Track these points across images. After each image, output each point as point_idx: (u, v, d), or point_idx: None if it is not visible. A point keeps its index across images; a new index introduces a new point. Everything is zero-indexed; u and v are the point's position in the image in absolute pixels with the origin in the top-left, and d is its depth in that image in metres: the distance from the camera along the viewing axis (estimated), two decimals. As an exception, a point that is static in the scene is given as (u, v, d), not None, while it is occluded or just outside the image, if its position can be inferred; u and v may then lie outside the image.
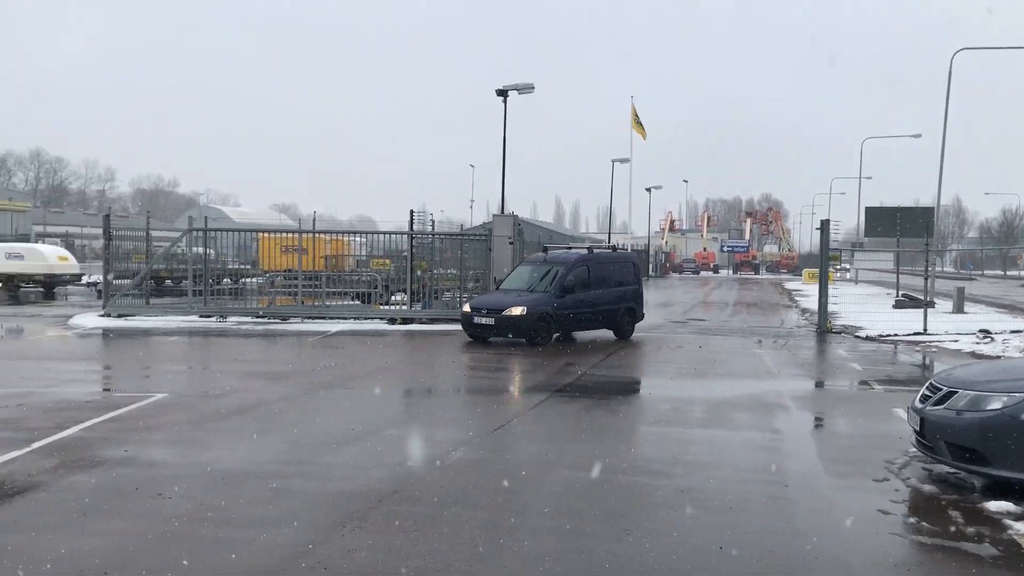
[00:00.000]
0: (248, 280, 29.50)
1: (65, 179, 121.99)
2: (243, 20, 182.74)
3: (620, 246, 31.62)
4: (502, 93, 28.66)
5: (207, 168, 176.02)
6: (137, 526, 6.42)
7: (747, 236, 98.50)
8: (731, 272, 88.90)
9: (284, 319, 23.93)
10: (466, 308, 19.95)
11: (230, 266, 28.22)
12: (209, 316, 24.07)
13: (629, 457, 8.85)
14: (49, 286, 35.59)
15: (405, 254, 24.37)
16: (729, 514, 6.92)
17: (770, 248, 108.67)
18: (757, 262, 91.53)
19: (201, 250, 26.07)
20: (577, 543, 6.22)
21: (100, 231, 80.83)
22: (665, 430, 10.34)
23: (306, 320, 23.68)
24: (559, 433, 10.11)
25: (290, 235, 32.18)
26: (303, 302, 24.84)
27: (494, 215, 26.16)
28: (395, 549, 6.00)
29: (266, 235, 30.94)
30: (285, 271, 30.89)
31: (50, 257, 36.18)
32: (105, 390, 12.59)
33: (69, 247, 52.23)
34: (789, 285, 56.46)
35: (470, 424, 10.61)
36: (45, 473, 7.74)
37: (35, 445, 8.76)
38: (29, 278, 35.41)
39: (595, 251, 22.13)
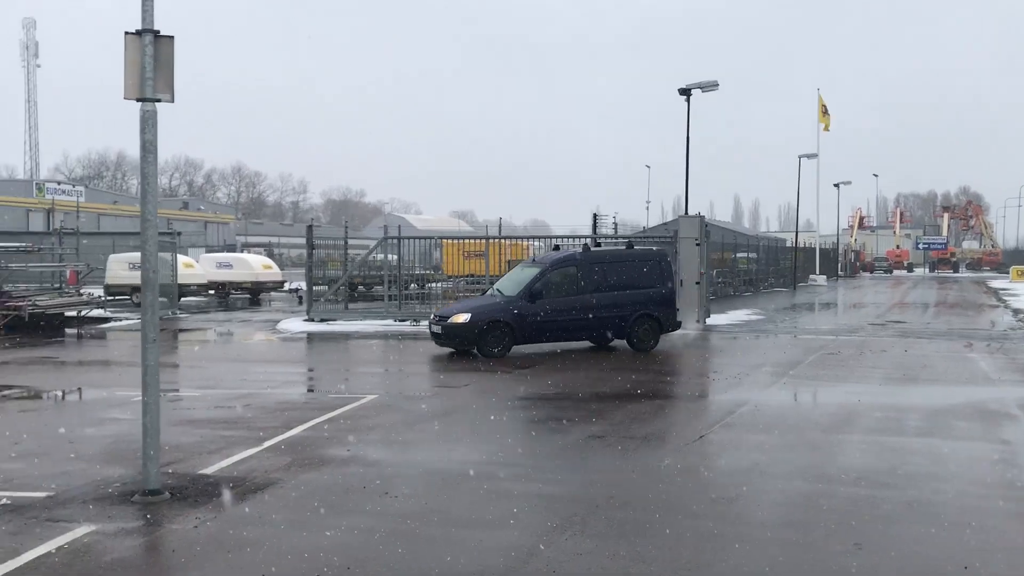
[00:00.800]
0: (432, 285, 30.47)
1: (263, 192, 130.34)
2: (421, 35, 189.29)
3: (647, 240, 25.90)
4: (685, 92, 28.24)
5: (392, 178, 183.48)
6: (370, 524, 6.76)
7: (944, 232, 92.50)
8: (927, 271, 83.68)
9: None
10: (432, 314, 19.12)
11: (416, 271, 29.26)
12: (403, 320, 25.03)
13: (847, 467, 8.48)
14: (255, 292, 38.09)
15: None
16: (969, 531, 6.51)
17: (969, 244, 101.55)
18: (955, 260, 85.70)
19: (390, 256, 27.19)
20: (806, 555, 6.03)
21: (295, 240, 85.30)
22: (881, 439, 9.85)
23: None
24: (768, 441, 9.83)
25: (472, 241, 33.18)
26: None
27: (679, 216, 25.85)
28: (618, 555, 6.03)
29: (449, 241, 31.93)
30: (467, 276, 31.70)
31: (255, 266, 38.74)
32: (320, 391, 13.33)
33: (271, 256, 55.75)
34: (994, 284, 52.58)
35: (673, 432, 10.50)
36: (280, 471, 8.28)
37: (267, 444, 9.39)
38: (237, 285, 37.99)
39: (594, 249, 19.64)
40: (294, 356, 19.06)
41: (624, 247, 20.10)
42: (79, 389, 14.03)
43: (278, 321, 26.04)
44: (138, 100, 7.26)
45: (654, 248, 21.82)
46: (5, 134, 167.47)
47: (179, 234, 34.74)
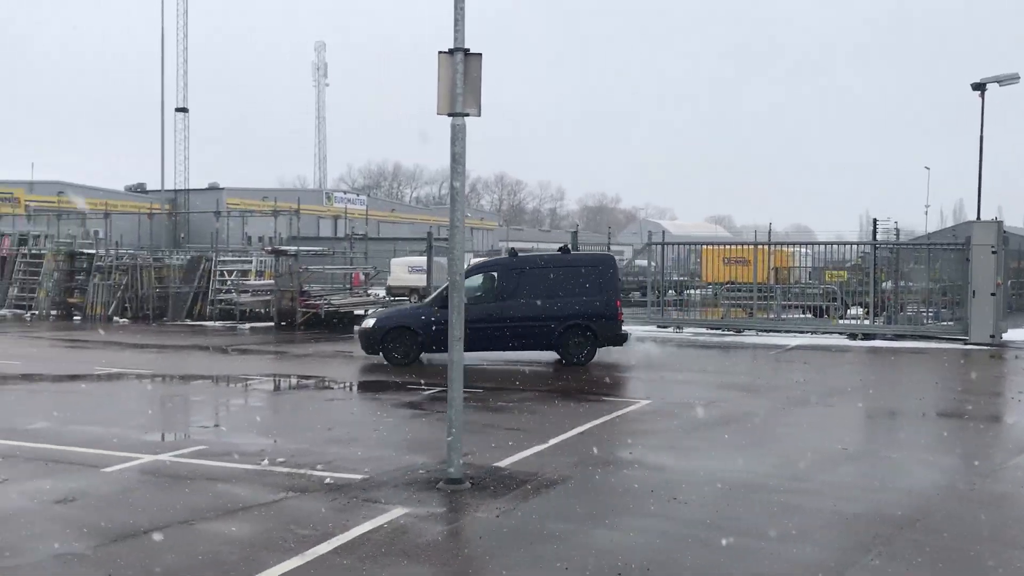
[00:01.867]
0: (691, 292, 30.10)
1: (523, 199, 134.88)
2: (676, 39, 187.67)
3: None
4: (979, 87, 25.95)
5: (647, 183, 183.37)
6: (661, 526, 6.82)
7: None
8: None
9: (738, 331, 24.01)
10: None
11: (673, 278, 29.05)
12: (665, 327, 24.96)
13: None
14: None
15: (857, 265, 23.18)
16: None
17: None
18: None
19: (646, 263, 27.15)
20: None
21: (552, 245, 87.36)
22: None
23: (760, 333, 23.51)
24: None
25: (731, 247, 32.46)
26: (752, 314, 24.78)
27: (971, 221, 23.80)
28: (933, 582, 5.68)
29: (708, 247, 31.43)
30: (727, 283, 31.01)
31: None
32: (592, 395, 13.61)
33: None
34: None
35: (974, 454, 9.71)
36: (568, 468, 8.55)
37: (551, 442, 9.73)
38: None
39: (522, 255, 18.27)
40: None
41: (560, 253, 18.21)
42: (377, 382, 15.22)
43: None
44: (449, 115, 7.79)
45: (599, 254, 20.68)
46: (300, 148, 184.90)
47: (445, 239, 36.88)
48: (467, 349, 18.00)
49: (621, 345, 17.86)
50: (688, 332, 24.14)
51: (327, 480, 8.04)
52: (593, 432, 10.39)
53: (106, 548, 6.25)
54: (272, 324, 25.96)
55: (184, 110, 63.52)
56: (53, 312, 29.59)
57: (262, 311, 27.02)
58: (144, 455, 9.02)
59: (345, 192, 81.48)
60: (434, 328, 16.14)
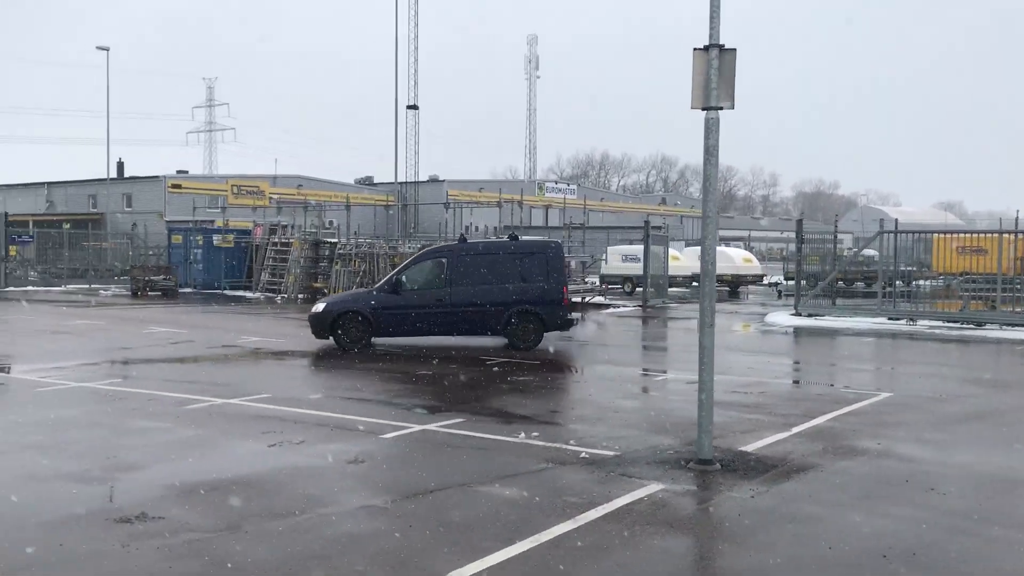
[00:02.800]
0: (920, 283, 28.57)
1: (733, 186, 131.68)
2: (897, 20, 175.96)
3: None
4: None
5: (868, 168, 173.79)
6: (920, 515, 6.84)
7: None
8: None
9: (979, 325, 22.64)
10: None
11: (899, 268, 27.66)
12: (897, 319, 23.92)
13: None
14: (734, 286, 38.88)
15: None
16: None
17: None
18: None
19: (870, 252, 26.00)
20: None
21: (764, 234, 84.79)
22: None
23: (1005, 327, 22.06)
24: None
25: (967, 236, 30.45)
26: (995, 307, 23.26)
27: None
28: None
29: (940, 236, 29.68)
30: (961, 274, 29.12)
31: (736, 259, 39.53)
32: (828, 385, 13.47)
33: (748, 250, 56.32)
34: None
35: None
36: (815, 456, 8.66)
37: (794, 430, 9.83)
38: (718, 278, 39.05)
39: (470, 241, 18.56)
40: (786, 349, 19.31)
41: (509, 240, 18.46)
42: (607, 365, 15.74)
43: (764, 314, 26.44)
44: (703, 109, 8.10)
45: (544, 240, 20.19)
46: (509, 139, 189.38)
47: (660, 228, 36.93)
48: (416, 334, 17.76)
49: (567, 330, 18.11)
50: (922, 324, 23.02)
51: (583, 455, 8.60)
52: (836, 422, 10.36)
53: (400, 503, 7.07)
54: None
55: (414, 107, 66.78)
56: (300, 295, 32.32)
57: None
58: (414, 425, 9.97)
59: (556, 182, 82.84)
60: (383, 313, 16.94)
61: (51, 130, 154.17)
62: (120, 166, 65.04)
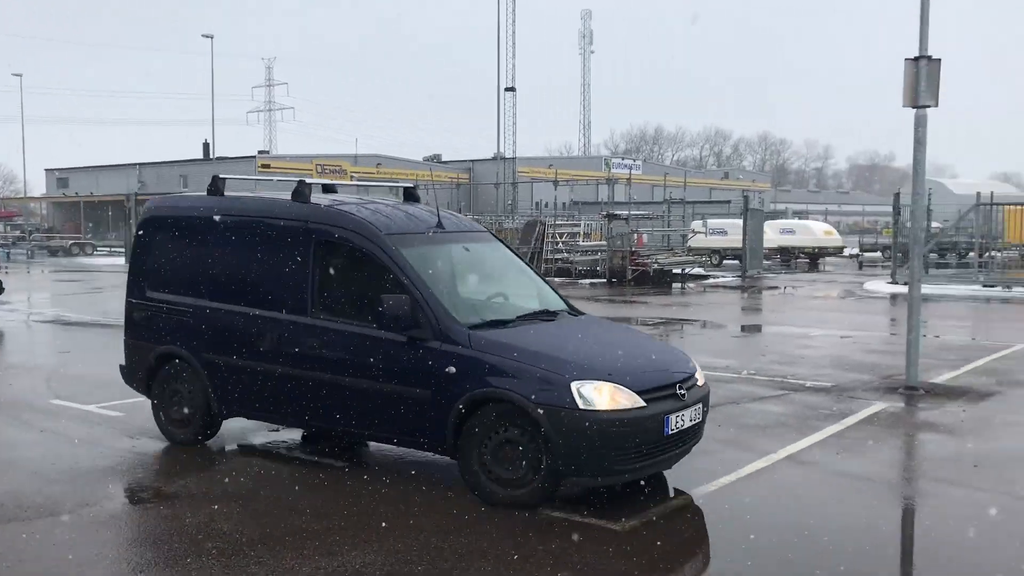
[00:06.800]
0: (995, 253, 30.08)
1: (787, 159, 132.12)
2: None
3: None
4: None
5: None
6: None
7: None
8: None
9: (1072, 291, 24.36)
10: None
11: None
12: (992, 285, 25.67)
13: None
14: (815, 258, 40.63)
15: None
16: None
17: None
18: None
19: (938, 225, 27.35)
20: None
21: (820, 207, 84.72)
22: None
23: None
24: None
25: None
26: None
27: None
28: None
29: (1012, 207, 31.16)
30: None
31: (818, 232, 41.26)
32: (971, 339, 15.44)
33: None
34: None
35: None
36: (994, 386, 10.76)
37: (963, 369, 11.91)
38: (800, 250, 40.85)
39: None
40: (900, 312, 21.22)
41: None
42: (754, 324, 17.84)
43: (862, 283, 28.29)
44: (913, 107, 10.13)
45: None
46: (563, 115, 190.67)
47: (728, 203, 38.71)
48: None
49: None
50: (1017, 291, 24.76)
51: (807, 384, 10.75)
52: (995, 363, 12.40)
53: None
54: (604, 280, 29.27)
55: (512, 89, 69.06)
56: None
57: (597, 269, 30.44)
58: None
59: (622, 158, 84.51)
60: None
61: (137, 112, 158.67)
62: (206, 147, 68.04)
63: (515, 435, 6.13)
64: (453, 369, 6.33)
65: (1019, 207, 31.73)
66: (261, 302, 7.29)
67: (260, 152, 67.04)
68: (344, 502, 6.38)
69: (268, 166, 60.69)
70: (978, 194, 26.31)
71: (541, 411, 5.95)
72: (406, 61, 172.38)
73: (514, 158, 72.19)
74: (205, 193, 7.96)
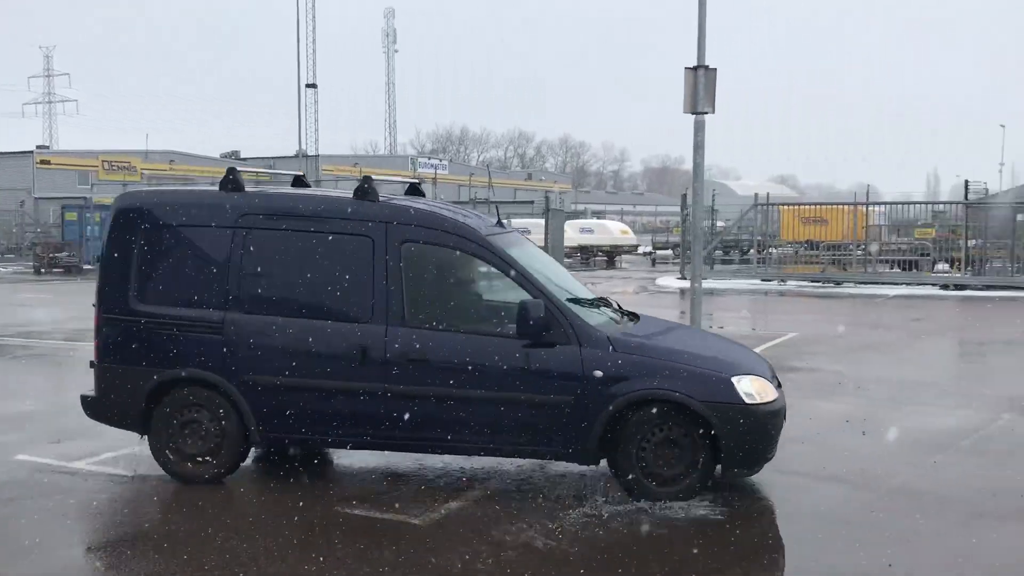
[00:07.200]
0: (772, 250, 32.61)
1: (586, 161, 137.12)
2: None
3: None
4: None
5: (710, 145, 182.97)
6: (859, 401, 9.85)
7: None
8: None
9: (836, 284, 26.73)
10: None
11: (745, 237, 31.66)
12: (769, 280, 27.75)
13: None
14: (612, 256, 42.40)
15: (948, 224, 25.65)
16: None
17: None
18: None
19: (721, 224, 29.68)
20: None
21: (616, 208, 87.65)
22: None
23: (858, 285, 26.20)
24: None
25: (807, 207, 35.07)
26: (846, 269, 27.59)
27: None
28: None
29: (786, 207, 33.94)
30: (804, 242, 33.46)
31: (614, 231, 43.09)
32: (752, 329, 16.60)
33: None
34: None
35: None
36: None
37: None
38: (598, 249, 42.51)
39: None
40: (688, 305, 22.58)
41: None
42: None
43: (654, 279, 29.82)
44: (692, 113, 10.79)
45: None
46: (365, 114, 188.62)
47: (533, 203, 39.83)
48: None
49: None
50: (791, 284, 26.90)
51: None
52: (767, 352, 13.31)
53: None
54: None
55: (313, 86, 67.36)
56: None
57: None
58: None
59: (428, 158, 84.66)
60: None
61: None
62: (-27, 140, 62.30)
63: (677, 434, 6.22)
64: (600, 372, 6.21)
65: (793, 207, 34.53)
66: (332, 313, 6.52)
67: (39, 147, 62.05)
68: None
69: (48, 162, 56.39)
70: (756, 195, 28.36)
71: (709, 409, 6.12)
72: (202, 54, 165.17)
73: (317, 156, 70.82)
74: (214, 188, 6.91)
